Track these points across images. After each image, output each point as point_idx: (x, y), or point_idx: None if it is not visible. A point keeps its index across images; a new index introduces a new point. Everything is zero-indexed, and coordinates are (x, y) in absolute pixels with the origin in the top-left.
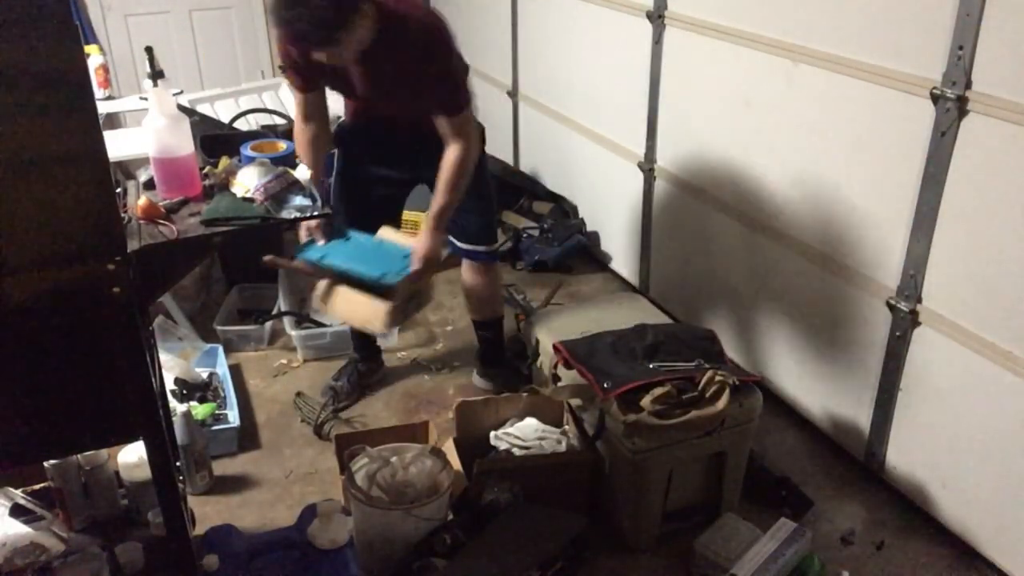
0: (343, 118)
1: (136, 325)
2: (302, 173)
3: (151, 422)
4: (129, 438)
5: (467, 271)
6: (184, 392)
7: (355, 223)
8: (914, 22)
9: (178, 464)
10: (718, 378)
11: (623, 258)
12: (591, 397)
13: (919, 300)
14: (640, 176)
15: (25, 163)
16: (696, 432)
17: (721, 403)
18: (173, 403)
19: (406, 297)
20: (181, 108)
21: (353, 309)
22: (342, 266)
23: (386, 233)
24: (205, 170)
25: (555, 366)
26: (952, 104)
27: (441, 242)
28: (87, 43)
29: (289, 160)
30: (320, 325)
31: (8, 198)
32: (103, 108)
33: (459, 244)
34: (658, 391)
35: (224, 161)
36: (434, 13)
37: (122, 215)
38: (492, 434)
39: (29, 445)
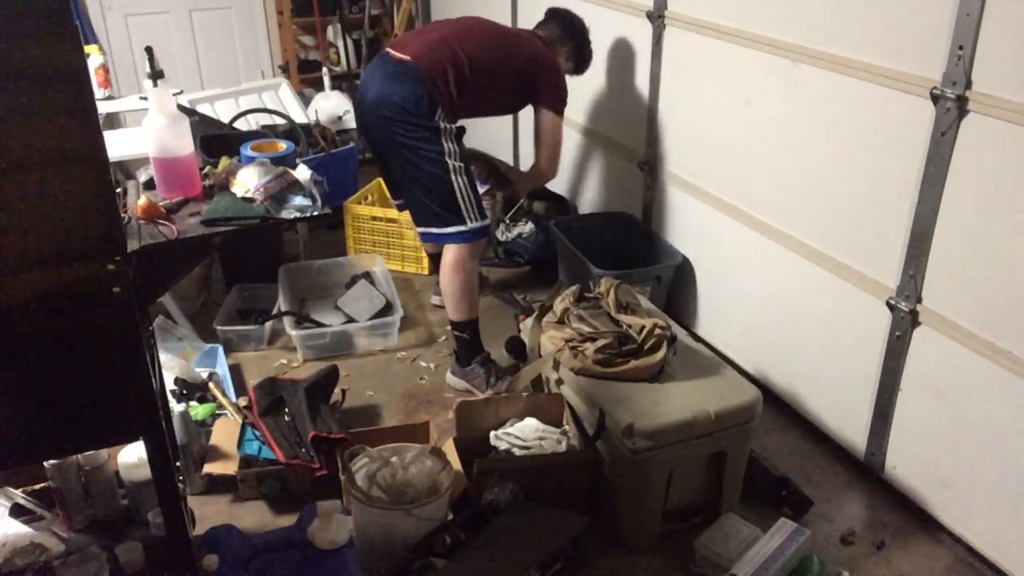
0: (445, 115)
1: (136, 325)
2: (302, 173)
3: (151, 422)
4: (129, 438)
5: (442, 266)
6: (184, 392)
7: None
8: (914, 22)
9: (178, 464)
10: (657, 332)
11: None
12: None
13: (919, 300)
14: (640, 176)
15: (25, 163)
16: (637, 379)
17: (659, 354)
18: (171, 403)
19: None
20: (181, 108)
21: None
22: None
23: None
24: (205, 170)
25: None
26: (952, 104)
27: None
28: (87, 43)
29: (289, 160)
30: (320, 325)
31: (8, 198)
32: (103, 108)
33: (420, 230)
34: (601, 342)
35: (224, 161)
36: None
37: (122, 215)
38: (492, 434)
39: (29, 445)
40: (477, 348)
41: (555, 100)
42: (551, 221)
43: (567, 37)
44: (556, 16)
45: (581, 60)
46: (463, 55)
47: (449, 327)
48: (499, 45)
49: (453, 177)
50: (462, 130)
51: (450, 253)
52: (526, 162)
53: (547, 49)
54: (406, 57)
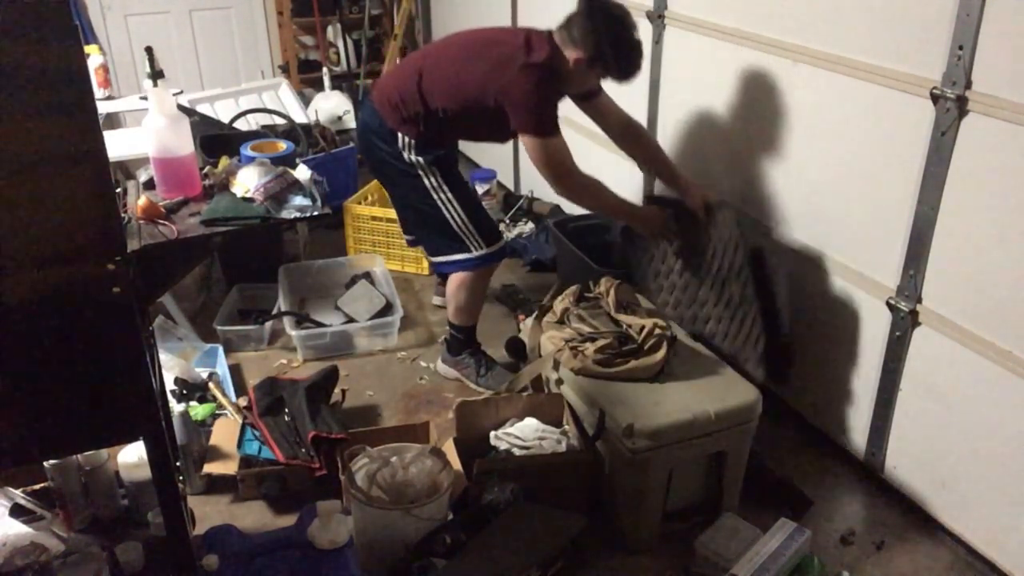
0: (416, 146)
1: (136, 325)
2: (302, 173)
3: (151, 422)
4: (129, 438)
5: (449, 279)
6: (184, 392)
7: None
8: (914, 22)
9: (178, 464)
10: (657, 332)
11: None
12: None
13: (919, 300)
14: (640, 176)
15: (25, 163)
16: (637, 379)
17: (659, 354)
18: (171, 403)
19: None
20: (181, 108)
21: None
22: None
23: None
24: (205, 170)
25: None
26: (952, 104)
27: None
28: (87, 43)
29: (289, 160)
30: (320, 325)
31: (8, 198)
32: (103, 108)
33: (430, 259)
34: (601, 342)
35: (224, 161)
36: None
37: (122, 215)
38: (492, 434)
39: (29, 445)
40: (468, 343)
41: (524, 121)
42: (551, 221)
43: (591, 36)
44: (585, 9)
45: (620, 67)
46: (414, 91)
47: (443, 305)
48: (453, 71)
49: (444, 210)
50: (448, 159)
51: (460, 273)
52: (525, 162)
53: (522, 55)
54: (373, 96)
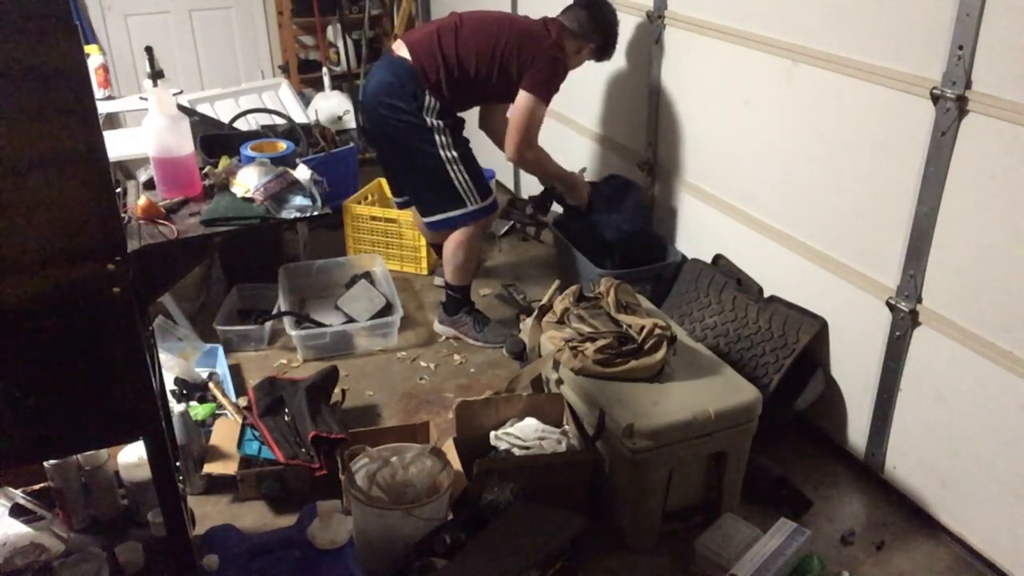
0: (439, 110)
1: (136, 325)
2: (302, 173)
3: (151, 422)
4: (129, 438)
5: (447, 239)
6: (184, 392)
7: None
8: (914, 22)
9: (178, 464)
10: (657, 332)
11: None
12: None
13: (919, 300)
14: (640, 176)
15: (25, 163)
16: (637, 379)
17: (659, 354)
18: (171, 403)
19: None
20: (181, 108)
21: None
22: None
23: None
24: (205, 170)
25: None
26: (952, 104)
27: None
28: (87, 43)
29: (289, 160)
30: (320, 325)
31: (8, 198)
32: (103, 108)
33: (424, 220)
34: (601, 342)
35: (224, 161)
36: None
37: (122, 215)
38: (492, 434)
39: (29, 445)
40: (464, 302)
41: (535, 83)
42: (551, 221)
43: (590, 25)
44: (588, 4)
45: (604, 48)
46: (452, 51)
47: (443, 285)
48: (487, 34)
49: (448, 168)
50: (460, 121)
51: (457, 233)
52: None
53: (546, 35)
54: (402, 54)
